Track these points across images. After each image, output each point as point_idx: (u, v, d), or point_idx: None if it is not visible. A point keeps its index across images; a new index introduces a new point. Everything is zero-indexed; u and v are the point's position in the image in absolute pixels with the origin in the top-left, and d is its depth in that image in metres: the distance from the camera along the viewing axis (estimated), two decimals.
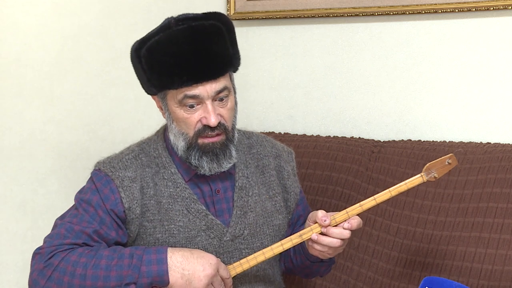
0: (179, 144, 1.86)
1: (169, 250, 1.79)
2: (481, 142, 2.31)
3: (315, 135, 2.67)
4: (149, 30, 1.83)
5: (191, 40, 1.78)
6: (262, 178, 1.99)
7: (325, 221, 1.82)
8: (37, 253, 1.81)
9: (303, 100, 2.75)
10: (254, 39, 2.84)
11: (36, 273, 1.79)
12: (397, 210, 2.25)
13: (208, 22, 1.80)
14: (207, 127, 1.82)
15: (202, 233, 1.88)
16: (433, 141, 2.39)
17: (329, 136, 2.62)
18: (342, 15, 2.61)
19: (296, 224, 2.06)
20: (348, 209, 1.84)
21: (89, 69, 2.68)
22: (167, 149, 1.93)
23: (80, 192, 1.91)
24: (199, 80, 1.79)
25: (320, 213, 1.84)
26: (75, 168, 2.64)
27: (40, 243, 1.84)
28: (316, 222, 1.85)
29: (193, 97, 1.80)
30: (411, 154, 2.32)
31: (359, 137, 2.57)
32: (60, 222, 1.86)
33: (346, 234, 1.83)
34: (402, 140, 2.45)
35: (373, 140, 2.50)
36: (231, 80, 1.88)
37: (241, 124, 2.01)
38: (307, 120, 2.74)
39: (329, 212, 1.86)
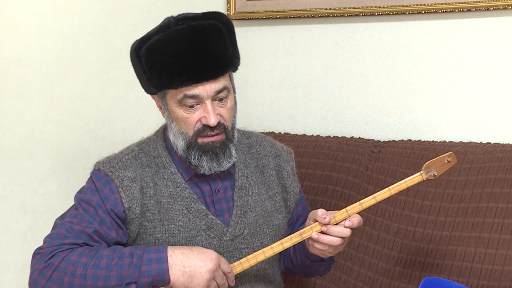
0: (179, 144, 1.86)
1: (169, 248, 1.79)
2: (481, 142, 2.31)
3: (315, 135, 2.67)
4: (149, 30, 1.83)
5: (191, 39, 1.78)
6: (262, 177, 1.99)
7: (325, 218, 1.82)
8: (37, 253, 1.81)
9: (303, 100, 2.75)
10: (254, 39, 2.84)
11: (36, 273, 1.79)
12: (397, 210, 2.25)
13: (208, 22, 1.80)
14: (206, 126, 1.82)
15: (202, 233, 1.88)
16: (433, 141, 2.39)
17: (329, 136, 2.62)
18: (342, 15, 2.61)
19: (295, 223, 2.06)
20: (348, 208, 1.84)
21: (89, 69, 2.68)
22: (167, 148, 1.93)
23: (80, 192, 1.91)
24: (199, 80, 1.79)
25: (320, 212, 1.84)
26: (75, 168, 2.64)
27: (40, 243, 1.84)
28: (316, 221, 1.85)
29: (193, 96, 1.80)
30: (411, 154, 2.32)
31: (359, 137, 2.57)
32: (60, 222, 1.86)
33: (347, 232, 1.83)
34: (402, 140, 2.45)
35: (373, 140, 2.50)
36: (231, 80, 1.88)
37: (241, 124, 2.01)
38: (307, 120, 2.74)
39: (328, 211, 1.86)
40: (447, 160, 1.83)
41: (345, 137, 2.58)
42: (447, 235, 2.13)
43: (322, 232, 1.84)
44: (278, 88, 2.81)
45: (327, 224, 1.83)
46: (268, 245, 1.88)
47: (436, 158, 1.83)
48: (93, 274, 1.76)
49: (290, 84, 2.78)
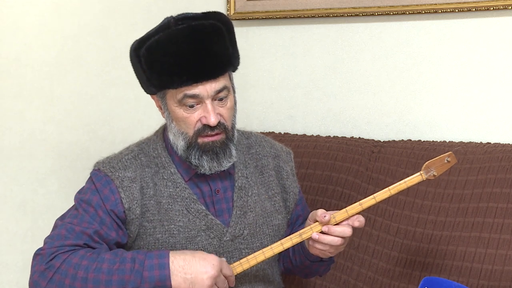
0: (179, 144, 1.86)
1: (171, 254, 1.78)
2: (481, 142, 2.31)
3: (315, 135, 2.67)
4: (149, 30, 1.83)
5: (190, 39, 1.78)
6: (261, 178, 1.99)
7: (324, 217, 1.82)
8: (38, 254, 1.80)
9: (303, 100, 2.75)
10: (254, 39, 2.84)
11: (37, 274, 1.78)
12: (397, 210, 2.25)
13: (208, 22, 1.80)
14: (206, 126, 1.82)
15: (202, 233, 1.88)
16: (433, 141, 2.39)
17: (329, 136, 2.62)
18: (342, 15, 2.61)
19: (295, 223, 2.06)
20: (348, 208, 1.84)
21: (89, 69, 2.68)
22: (167, 149, 1.93)
23: (79, 192, 1.90)
24: (198, 80, 1.79)
25: (320, 211, 1.84)
26: (75, 168, 2.64)
27: (40, 243, 1.84)
28: (316, 221, 1.85)
29: (193, 96, 1.80)
30: (411, 154, 2.32)
31: (359, 137, 2.57)
32: (61, 222, 1.85)
33: (348, 232, 1.83)
34: (402, 140, 2.45)
35: (373, 140, 2.50)
36: (231, 79, 1.88)
37: (241, 124, 2.01)
38: (307, 120, 2.74)
39: (328, 211, 1.86)
40: (446, 160, 1.83)
41: (345, 137, 2.58)
42: (447, 235, 2.13)
43: (322, 232, 1.84)
44: (278, 88, 2.81)
45: (327, 223, 1.82)
46: (268, 246, 1.88)
47: (435, 158, 1.83)
48: (94, 278, 1.75)
49: (290, 84, 2.78)
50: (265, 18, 2.79)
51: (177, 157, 1.90)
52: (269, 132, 2.75)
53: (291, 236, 1.86)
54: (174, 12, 1.86)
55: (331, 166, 2.44)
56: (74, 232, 1.81)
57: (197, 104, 1.82)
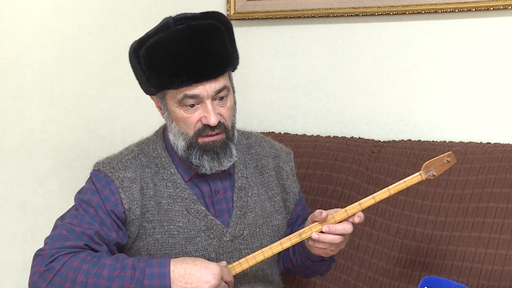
0: (179, 144, 1.86)
1: (172, 263, 1.78)
2: (481, 142, 2.31)
3: (315, 135, 2.67)
4: (149, 30, 1.83)
5: (190, 39, 1.78)
6: (261, 178, 1.99)
7: (321, 213, 1.82)
8: (38, 255, 1.80)
9: (303, 100, 2.75)
10: (254, 39, 2.84)
11: (37, 275, 1.78)
12: (397, 210, 2.25)
13: (207, 22, 1.80)
14: (207, 126, 1.82)
15: (202, 234, 1.88)
16: (433, 141, 2.39)
17: (329, 136, 2.62)
18: (342, 15, 2.60)
19: (295, 224, 2.06)
20: (347, 208, 1.84)
21: (89, 69, 2.68)
22: (167, 149, 1.93)
23: (79, 192, 1.90)
24: (198, 80, 1.79)
25: (317, 211, 1.84)
26: (75, 168, 2.64)
27: (40, 243, 1.84)
28: (315, 221, 1.85)
29: (193, 96, 1.80)
30: (411, 154, 2.32)
31: (359, 137, 2.57)
32: (61, 223, 1.85)
33: (349, 229, 1.83)
34: (402, 140, 2.45)
35: (373, 140, 2.50)
36: (230, 79, 1.88)
37: (241, 124, 2.01)
38: (307, 120, 2.74)
39: (328, 210, 1.86)
40: (446, 160, 1.82)
41: (345, 137, 2.58)
42: (447, 235, 2.13)
43: (321, 232, 1.84)
44: (278, 88, 2.81)
45: (325, 220, 1.82)
46: (267, 246, 1.88)
47: (435, 158, 1.83)
48: (94, 283, 1.75)
49: (290, 84, 2.78)
50: (265, 18, 2.79)
51: (177, 157, 1.90)
52: (269, 132, 2.75)
53: (290, 236, 1.86)
54: (174, 12, 1.86)
55: (331, 166, 2.44)
56: (74, 233, 1.81)
57: (197, 104, 1.82)
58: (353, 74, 2.62)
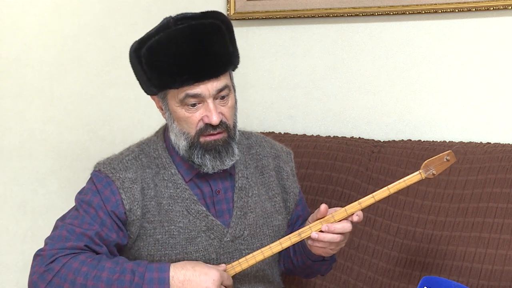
0: (181, 144, 1.86)
1: (172, 268, 1.78)
2: (481, 142, 2.31)
3: (315, 135, 2.67)
4: (149, 30, 1.83)
5: (191, 39, 1.78)
6: (262, 178, 1.99)
7: (319, 209, 1.83)
8: (38, 255, 1.80)
9: (303, 100, 2.75)
10: (254, 39, 2.84)
11: (36, 275, 1.78)
12: (397, 210, 2.25)
13: (208, 21, 1.80)
14: (209, 125, 1.82)
15: (202, 234, 1.88)
16: (433, 141, 2.39)
17: (329, 136, 2.62)
18: (342, 15, 2.61)
19: (295, 224, 2.06)
20: (347, 207, 1.84)
21: (89, 69, 2.68)
22: (167, 149, 1.92)
23: (80, 193, 1.90)
24: (200, 79, 1.79)
25: (316, 211, 1.85)
26: (75, 168, 2.64)
27: (40, 243, 1.84)
28: (316, 220, 1.85)
29: (195, 96, 1.80)
30: (411, 154, 2.32)
31: (359, 137, 2.57)
32: (61, 223, 1.85)
33: (348, 227, 1.83)
34: (402, 140, 2.45)
35: (373, 140, 2.50)
36: (231, 78, 1.88)
37: (241, 124, 2.01)
38: (307, 120, 2.74)
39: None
40: (446, 159, 1.82)
41: (345, 137, 2.58)
42: (447, 235, 2.13)
43: (321, 231, 1.84)
44: (278, 88, 2.81)
45: (323, 213, 1.82)
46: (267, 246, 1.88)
47: (435, 156, 1.83)
48: (93, 286, 1.75)
49: (290, 84, 2.78)
50: (265, 18, 2.79)
51: (177, 157, 1.90)
52: (269, 132, 2.75)
53: (290, 235, 1.86)
54: (174, 12, 1.86)
55: (331, 166, 2.44)
56: (75, 234, 1.81)
57: (198, 103, 1.82)
58: (353, 74, 2.62)
